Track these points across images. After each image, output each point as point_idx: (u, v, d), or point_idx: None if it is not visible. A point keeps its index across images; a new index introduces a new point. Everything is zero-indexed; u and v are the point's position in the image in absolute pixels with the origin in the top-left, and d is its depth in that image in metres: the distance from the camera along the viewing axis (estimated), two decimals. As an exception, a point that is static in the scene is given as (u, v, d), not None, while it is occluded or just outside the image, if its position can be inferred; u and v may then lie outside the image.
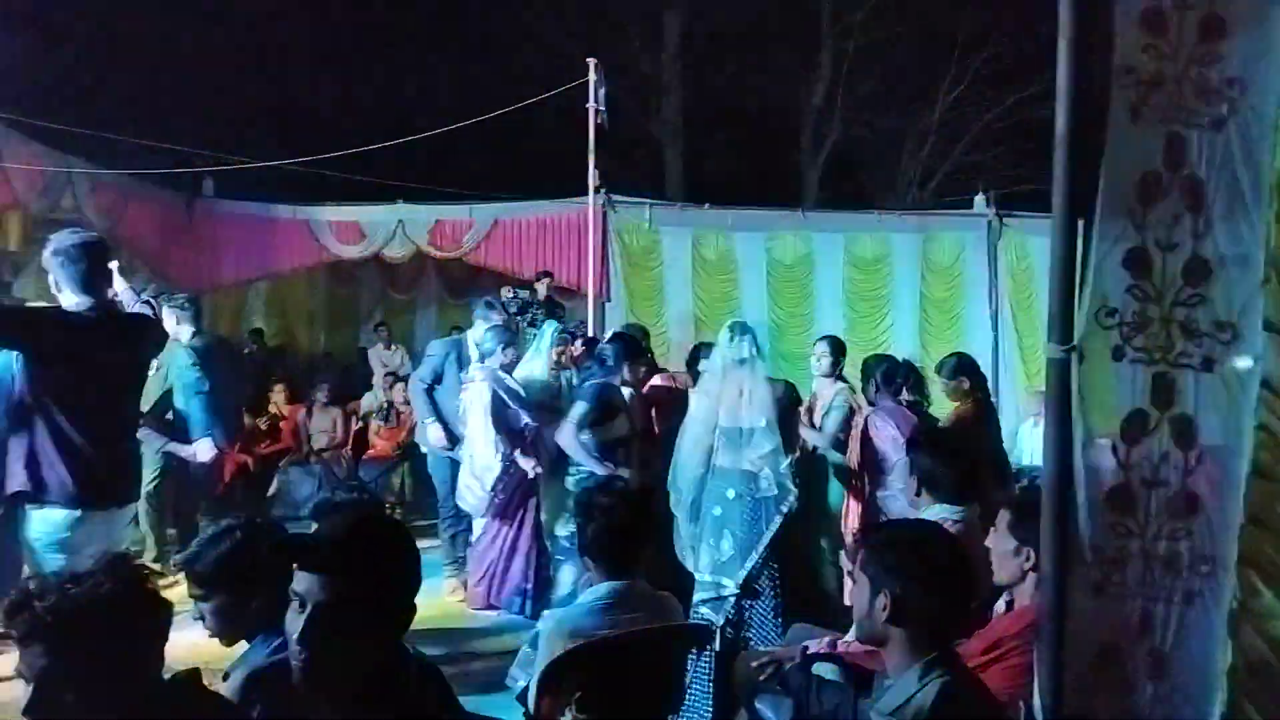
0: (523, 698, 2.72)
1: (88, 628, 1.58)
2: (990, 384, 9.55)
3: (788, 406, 4.35)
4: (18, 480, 3.13)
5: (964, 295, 9.96)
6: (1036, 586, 2.21)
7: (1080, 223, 1.91)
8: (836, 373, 5.05)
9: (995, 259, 9.78)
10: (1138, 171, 1.89)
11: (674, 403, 5.05)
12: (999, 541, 2.50)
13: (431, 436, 5.52)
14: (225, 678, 2.15)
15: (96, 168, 8.26)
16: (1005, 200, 10.32)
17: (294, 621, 1.51)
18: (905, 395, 4.86)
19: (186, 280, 9.51)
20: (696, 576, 4.00)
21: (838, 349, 5.12)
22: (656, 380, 5.57)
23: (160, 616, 1.69)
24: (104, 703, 1.58)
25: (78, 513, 3.12)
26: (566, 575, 4.64)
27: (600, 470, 4.34)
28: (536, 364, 5.41)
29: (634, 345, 5.05)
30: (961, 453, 3.31)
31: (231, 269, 10.05)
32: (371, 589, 1.51)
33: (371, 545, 1.55)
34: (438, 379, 5.60)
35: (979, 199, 10.39)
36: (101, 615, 1.59)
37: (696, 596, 3.96)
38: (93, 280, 3.25)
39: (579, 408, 4.58)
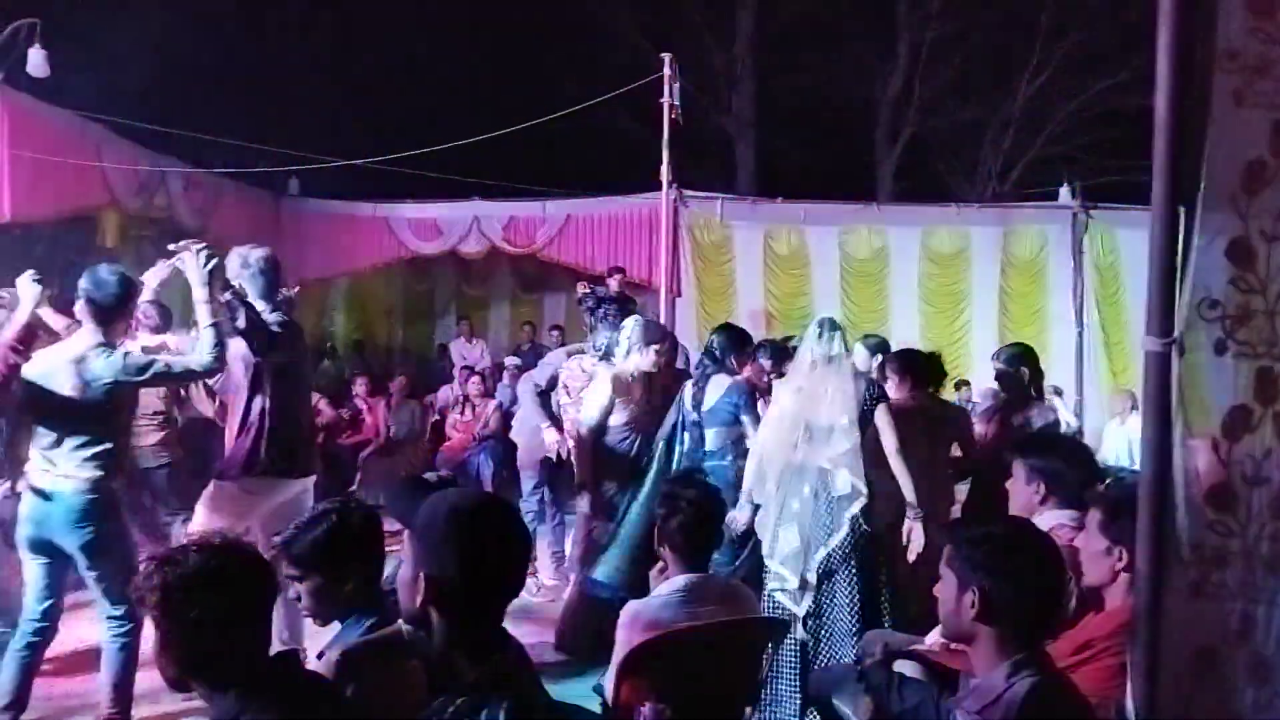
0: (600, 687, 2.76)
1: (197, 598, 1.67)
2: (1074, 382, 9.34)
3: (872, 405, 4.26)
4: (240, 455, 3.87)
5: (1046, 291, 9.71)
6: (1129, 587, 2.15)
7: (1180, 213, 1.86)
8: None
9: (1080, 253, 9.49)
10: (1241, 159, 1.83)
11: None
12: (1089, 542, 2.43)
13: (549, 439, 5.54)
14: (319, 657, 2.24)
15: (189, 167, 8.59)
16: (1091, 192, 10.01)
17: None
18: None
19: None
20: (768, 564, 3.99)
21: (883, 349, 5.21)
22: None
23: (266, 593, 1.77)
24: (212, 672, 1.68)
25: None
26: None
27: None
28: (634, 360, 5.22)
29: (742, 336, 4.99)
30: (1081, 452, 3.22)
31: (315, 266, 10.34)
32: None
33: (470, 519, 1.69)
34: (551, 385, 5.62)
35: (1064, 191, 10.09)
36: (211, 587, 1.68)
37: (770, 586, 3.96)
38: (275, 289, 4.01)
39: (752, 416, 4.46)
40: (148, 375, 3.50)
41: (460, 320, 11.70)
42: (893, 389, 4.60)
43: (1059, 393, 8.74)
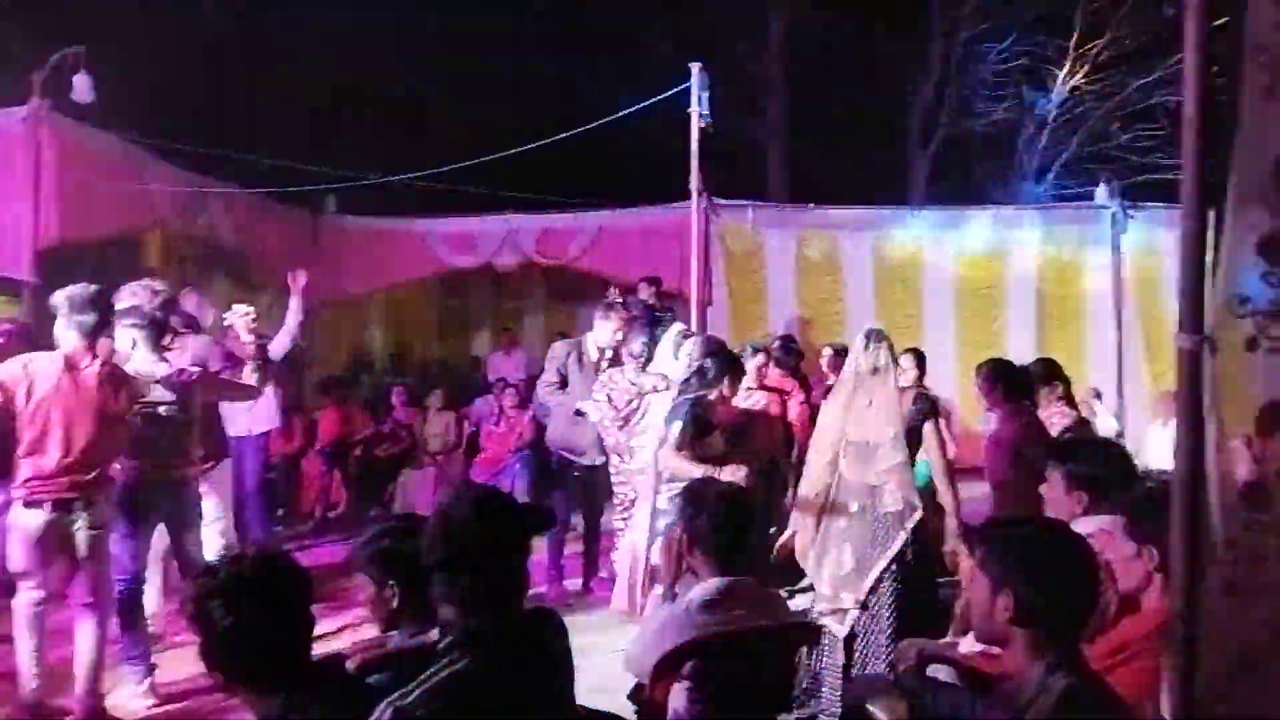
0: (633, 695, 2.78)
1: (229, 608, 1.73)
2: (1114, 384, 9.18)
3: (921, 419, 4.11)
4: None
5: (1084, 292, 9.54)
6: (1164, 589, 2.12)
7: (1211, 209, 1.84)
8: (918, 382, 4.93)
9: (1119, 253, 9.34)
10: (1272, 153, 1.81)
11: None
12: (1119, 547, 2.40)
13: (594, 415, 5.57)
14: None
15: (230, 188, 8.77)
16: (1129, 191, 9.85)
17: None
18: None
19: (312, 293, 10.01)
20: (816, 587, 3.92)
21: (920, 359, 5.19)
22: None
23: (300, 600, 1.82)
24: (256, 677, 1.73)
25: None
26: None
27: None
28: (673, 366, 5.37)
29: (735, 360, 4.99)
30: (1121, 457, 3.17)
31: (354, 281, 10.49)
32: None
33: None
34: (562, 380, 5.71)
35: (1101, 190, 9.94)
36: (243, 596, 1.74)
37: (816, 607, 3.89)
38: None
39: (681, 426, 4.44)
40: None
41: (502, 332, 11.82)
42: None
43: (1099, 395, 8.60)
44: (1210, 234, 1.85)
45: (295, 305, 5.39)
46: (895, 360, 4.03)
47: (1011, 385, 4.73)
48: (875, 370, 3.88)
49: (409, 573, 2.28)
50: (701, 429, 4.45)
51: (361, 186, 9.34)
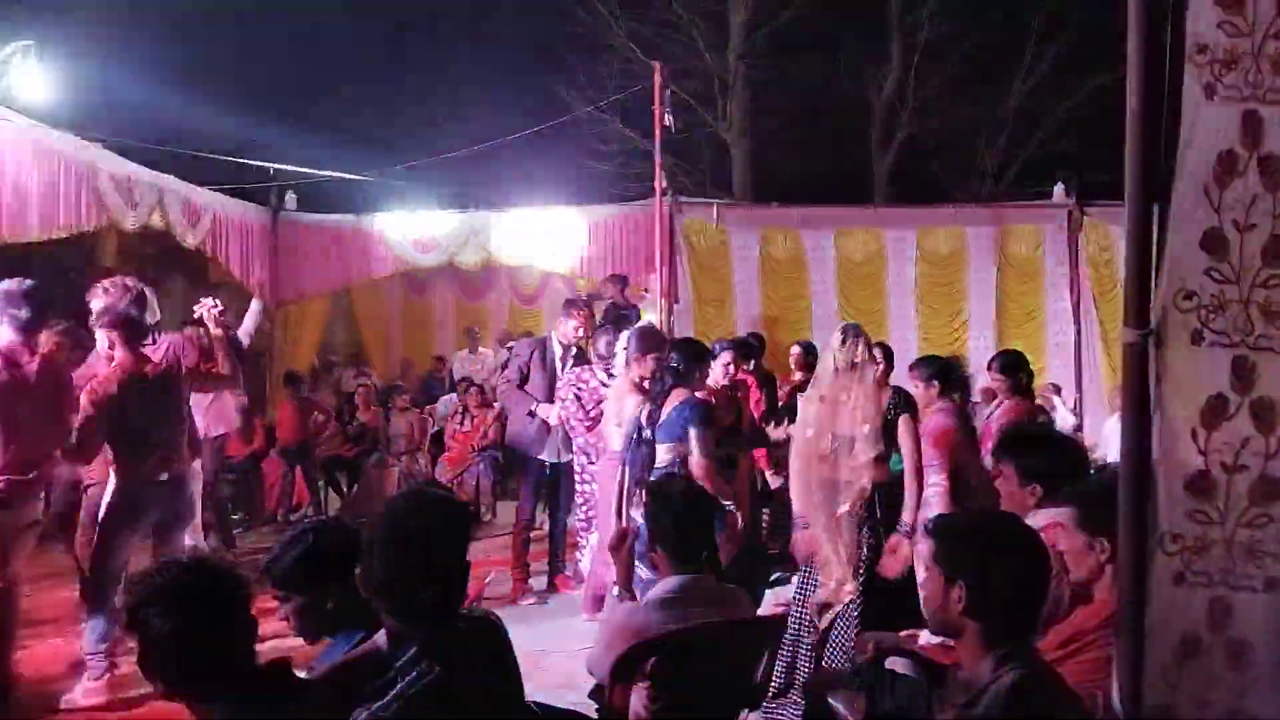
0: (595, 695, 2.77)
1: (165, 615, 1.70)
2: (1073, 379, 9.34)
3: (897, 415, 4.12)
4: None
5: (1043, 289, 9.70)
6: (1115, 579, 2.16)
7: (1156, 206, 1.87)
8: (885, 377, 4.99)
9: (1076, 250, 9.50)
10: (1213, 151, 1.84)
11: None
12: (1070, 539, 2.44)
13: (552, 416, 5.57)
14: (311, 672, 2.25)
15: (188, 186, 8.62)
16: (1086, 190, 10.02)
17: None
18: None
19: (271, 292, 9.89)
20: (825, 581, 3.95)
21: (888, 355, 5.22)
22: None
23: (240, 603, 1.79)
24: (196, 683, 1.70)
25: None
26: None
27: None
28: (634, 369, 5.31)
29: (701, 350, 4.98)
30: (1072, 448, 3.19)
31: (314, 280, 10.36)
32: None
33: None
34: (523, 378, 5.70)
35: (1058, 189, 10.11)
36: (178, 603, 1.71)
37: (818, 595, 3.93)
38: None
39: (701, 432, 4.24)
40: None
41: (468, 331, 11.75)
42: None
43: (1058, 390, 8.74)
44: (1156, 231, 1.89)
45: (255, 308, 5.34)
46: (872, 356, 4.08)
47: (1024, 377, 5.01)
48: (853, 365, 3.94)
49: (343, 574, 2.26)
50: (714, 427, 4.41)
51: (322, 183, 9.24)
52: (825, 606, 3.84)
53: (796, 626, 3.94)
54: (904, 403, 4.24)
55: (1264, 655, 1.82)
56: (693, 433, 4.18)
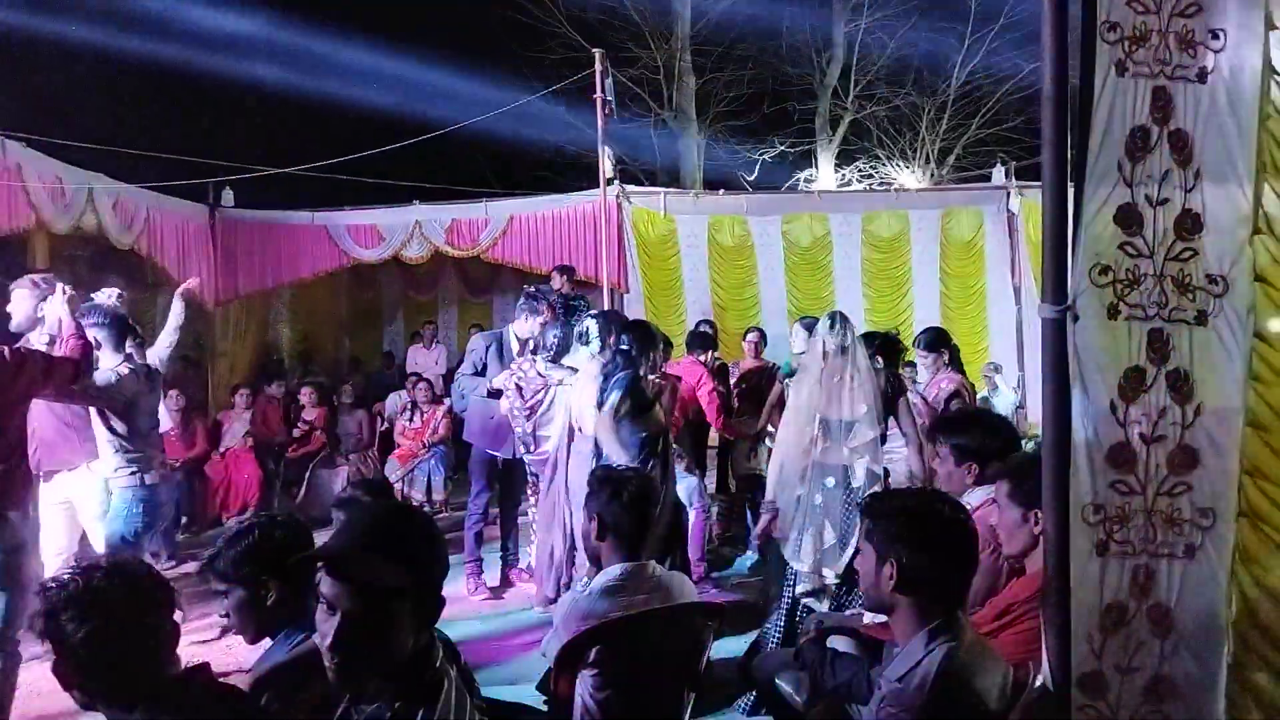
0: (542, 686, 2.76)
1: (80, 619, 1.66)
2: (1015, 357, 9.53)
3: (892, 396, 4.26)
4: None
5: (985, 269, 9.87)
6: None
7: (1072, 184, 1.90)
8: None
9: (1015, 231, 9.68)
10: (1126, 127, 1.88)
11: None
12: (1003, 514, 2.48)
13: (504, 406, 5.48)
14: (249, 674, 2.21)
15: (117, 183, 8.38)
16: (1025, 171, 10.21)
17: (325, 624, 1.50)
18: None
19: (212, 291, 9.67)
20: (797, 568, 3.98)
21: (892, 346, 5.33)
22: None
23: (157, 610, 1.75)
24: (113, 691, 1.65)
25: None
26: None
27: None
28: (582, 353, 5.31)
29: (653, 334, 4.98)
30: (1003, 426, 3.25)
31: (255, 277, 10.15)
32: (400, 587, 1.51)
33: (397, 545, 1.55)
34: (479, 371, 5.64)
35: (997, 171, 10.28)
36: (94, 607, 1.66)
37: (799, 589, 3.95)
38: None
39: (614, 398, 4.40)
40: None
41: (425, 325, 11.62)
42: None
43: (999, 369, 8.90)
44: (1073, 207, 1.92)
45: (177, 307, 5.12)
46: (858, 341, 4.16)
47: (947, 351, 5.32)
48: (844, 349, 4.04)
49: (281, 570, 2.21)
50: (640, 403, 4.46)
51: (260, 178, 9.04)
52: (819, 591, 3.89)
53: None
54: (900, 383, 4.39)
55: (1186, 621, 1.87)
56: (612, 395, 4.34)
